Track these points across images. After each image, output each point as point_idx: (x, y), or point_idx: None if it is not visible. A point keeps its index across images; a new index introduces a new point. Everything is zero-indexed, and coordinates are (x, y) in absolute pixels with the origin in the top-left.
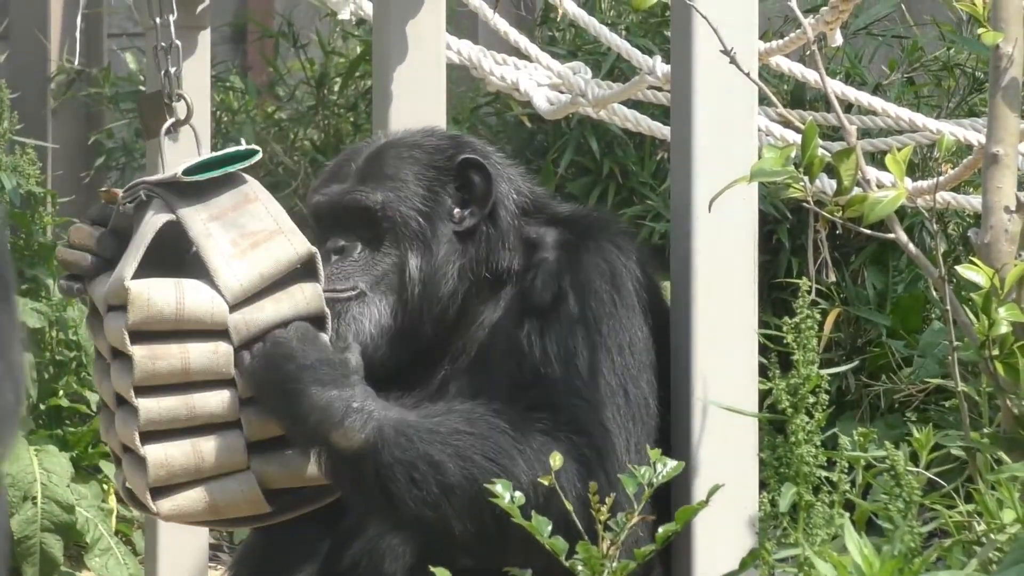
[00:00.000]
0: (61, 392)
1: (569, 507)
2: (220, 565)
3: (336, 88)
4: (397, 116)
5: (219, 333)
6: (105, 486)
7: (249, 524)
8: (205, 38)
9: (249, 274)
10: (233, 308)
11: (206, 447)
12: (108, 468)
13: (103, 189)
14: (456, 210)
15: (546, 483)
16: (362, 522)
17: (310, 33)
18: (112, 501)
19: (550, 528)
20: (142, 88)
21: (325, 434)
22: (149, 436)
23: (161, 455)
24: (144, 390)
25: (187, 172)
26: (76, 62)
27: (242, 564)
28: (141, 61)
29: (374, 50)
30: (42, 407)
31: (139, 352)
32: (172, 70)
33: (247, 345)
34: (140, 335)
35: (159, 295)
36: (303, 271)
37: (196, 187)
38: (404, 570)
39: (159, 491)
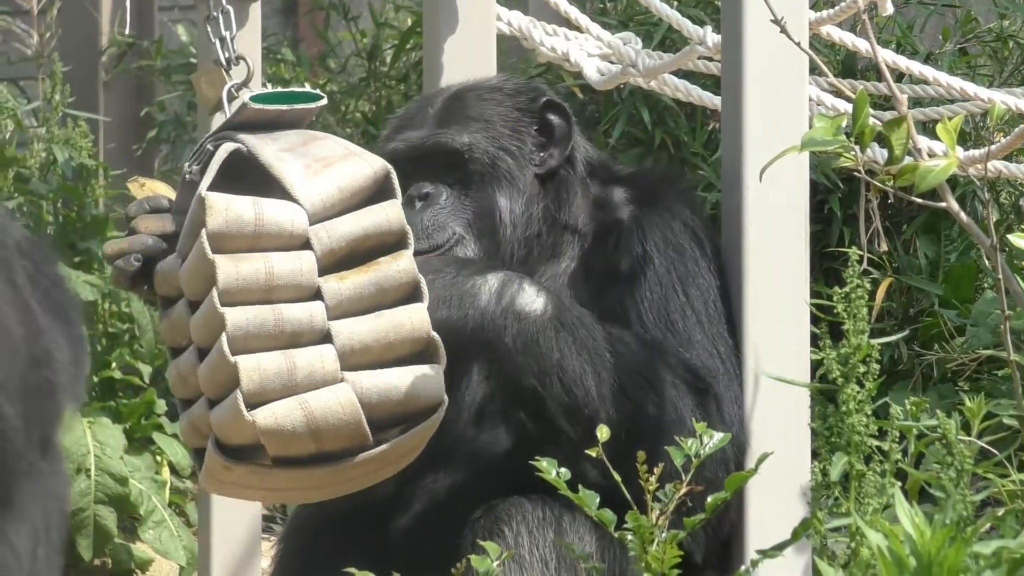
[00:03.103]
0: (114, 364)
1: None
2: (274, 537)
3: (387, 60)
4: None
5: (300, 246)
6: (158, 458)
7: (345, 464)
8: (256, 11)
9: (327, 187)
10: (313, 221)
11: (298, 355)
12: (161, 440)
13: (131, 179)
14: (537, 152)
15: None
16: (410, 499)
17: (361, 5)
18: (165, 473)
19: (598, 500)
20: (193, 60)
21: (510, 304)
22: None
23: (253, 361)
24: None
25: (254, 100)
26: (128, 31)
27: (290, 538)
28: (192, 33)
29: (424, 21)
30: (95, 379)
31: (221, 257)
32: (226, 35)
33: (333, 257)
34: (219, 251)
35: (238, 204)
36: (380, 195)
37: (263, 126)
38: (458, 545)
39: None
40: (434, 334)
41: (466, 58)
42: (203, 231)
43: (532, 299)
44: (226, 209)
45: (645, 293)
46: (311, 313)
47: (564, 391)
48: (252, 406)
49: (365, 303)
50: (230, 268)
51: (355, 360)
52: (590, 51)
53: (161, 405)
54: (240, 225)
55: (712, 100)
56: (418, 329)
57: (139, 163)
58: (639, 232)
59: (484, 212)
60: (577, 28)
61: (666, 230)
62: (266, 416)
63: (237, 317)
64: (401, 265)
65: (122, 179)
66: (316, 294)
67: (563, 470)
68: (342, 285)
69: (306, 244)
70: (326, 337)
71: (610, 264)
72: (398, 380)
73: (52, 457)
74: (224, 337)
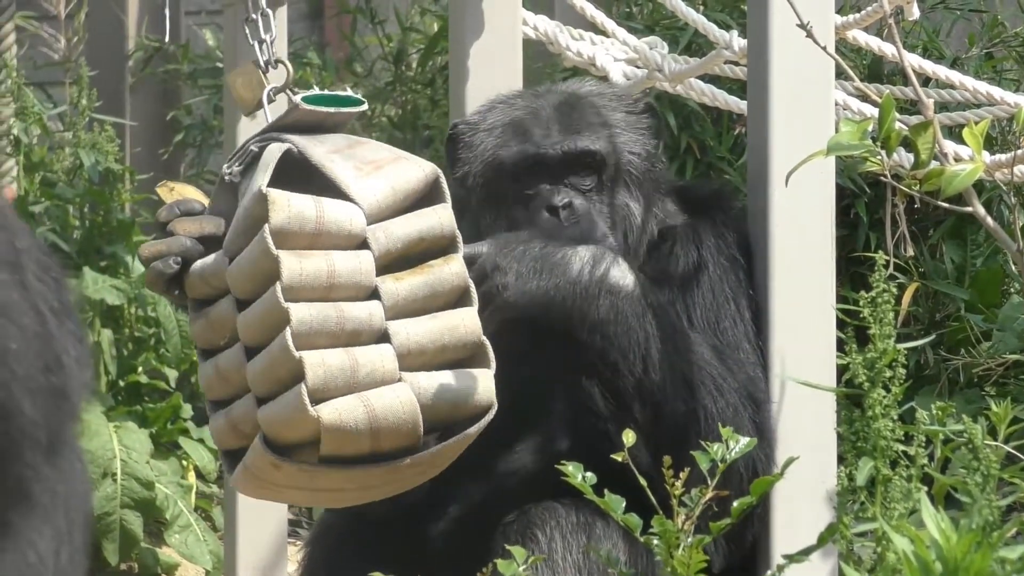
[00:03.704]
0: (140, 369)
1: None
2: (299, 541)
3: (414, 64)
4: (474, 92)
5: (357, 245)
6: (184, 462)
7: (396, 464)
8: (282, 14)
9: (381, 188)
10: (369, 222)
11: (359, 352)
12: (187, 444)
13: (161, 184)
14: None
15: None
16: (441, 503)
17: (388, 9)
18: (191, 477)
19: (623, 505)
20: (219, 65)
21: (604, 276)
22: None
23: (318, 357)
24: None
25: (305, 101)
26: (157, 36)
27: (317, 542)
28: (219, 38)
29: (451, 26)
30: (121, 383)
31: (284, 253)
32: (266, 37)
33: (388, 258)
34: (280, 248)
35: (299, 201)
36: (430, 199)
37: (307, 129)
38: (489, 554)
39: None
40: (484, 338)
41: (492, 63)
42: (266, 227)
43: (623, 275)
44: (288, 205)
45: (698, 299)
46: (370, 312)
47: (643, 371)
48: (315, 402)
49: (418, 305)
50: (294, 264)
51: (410, 361)
52: (616, 55)
53: (187, 409)
54: (302, 222)
55: (738, 104)
56: (471, 332)
57: (165, 167)
58: (695, 238)
59: (619, 217)
60: (603, 32)
61: (720, 240)
62: (330, 412)
63: (301, 313)
64: (453, 268)
65: (149, 183)
66: (372, 294)
67: (589, 474)
68: (399, 286)
69: (363, 244)
70: (383, 336)
71: (663, 267)
72: (453, 382)
73: (69, 458)
74: (288, 332)
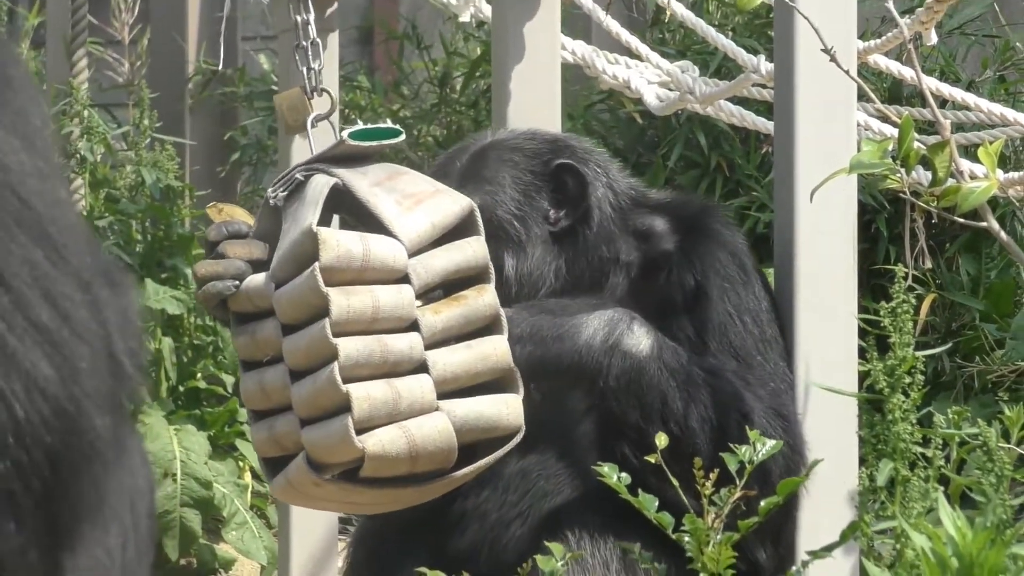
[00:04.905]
0: (199, 375)
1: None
2: (348, 538)
3: (458, 87)
4: (515, 113)
5: (399, 279)
6: (240, 463)
7: (430, 484)
8: (334, 40)
9: (422, 223)
10: (409, 255)
11: (400, 384)
12: (243, 446)
13: (211, 205)
14: (551, 212)
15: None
16: (478, 507)
17: (433, 35)
18: (247, 477)
19: (656, 504)
20: (275, 88)
21: (617, 343)
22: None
23: (363, 391)
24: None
25: (351, 137)
26: (220, 64)
27: (361, 543)
28: (273, 62)
29: (493, 51)
30: (181, 389)
31: (333, 291)
32: (315, 66)
33: (426, 291)
34: (328, 284)
35: (346, 239)
36: (464, 230)
37: (350, 160)
38: (522, 554)
39: (359, 432)
40: (513, 365)
41: (532, 85)
42: (316, 265)
43: (639, 340)
44: (337, 244)
45: (705, 323)
46: (411, 344)
47: (666, 432)
48: (359, 432)
49: (452, 333)
50: (342, 301)
51: (445, 388)
52: (649, 79)
53: (243, 413)
54: (350, 260)
55: (765, 125)
56: (502, 360)
57: (223, 184)
58: (690, 264)
59: (495, 269)
60: (637, 57)
61: (715, 261)
62: (374, 443)
63: (348, 348)
64: (486, 300)
65: (207, 199)
66: (411, 325)
67: (624, 475)
68: (436, 319)
69: (404, 278)
70: (421, 367)
71: (664, 296)
72: (485, 408)
73: (132, 456)
74: (336, 366)
